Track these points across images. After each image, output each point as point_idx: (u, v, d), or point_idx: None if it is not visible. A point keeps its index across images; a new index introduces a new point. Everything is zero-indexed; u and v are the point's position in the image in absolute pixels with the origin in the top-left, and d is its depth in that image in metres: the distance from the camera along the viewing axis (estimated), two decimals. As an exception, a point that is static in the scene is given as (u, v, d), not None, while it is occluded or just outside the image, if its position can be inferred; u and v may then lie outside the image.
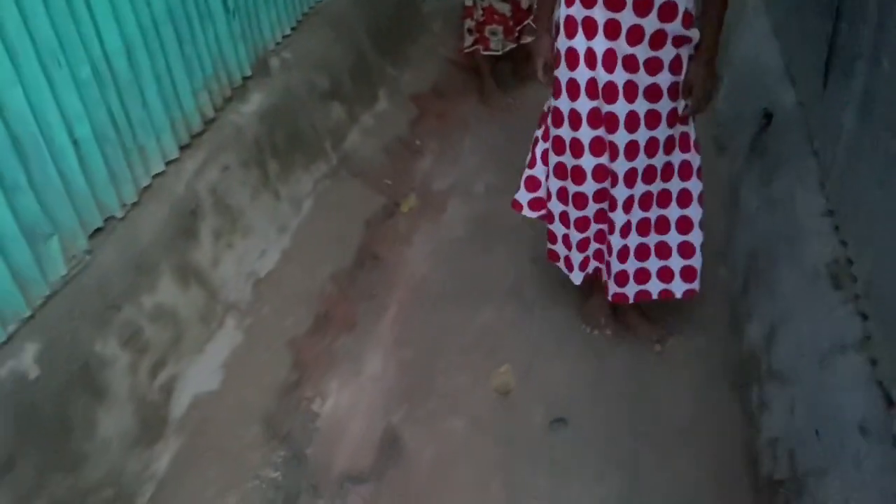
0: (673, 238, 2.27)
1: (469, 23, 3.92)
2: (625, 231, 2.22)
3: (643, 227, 2.25)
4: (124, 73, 2.18)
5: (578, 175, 2.19)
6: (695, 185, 2.23)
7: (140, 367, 2.09)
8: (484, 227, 3.11)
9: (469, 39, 3.96)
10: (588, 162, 2.16)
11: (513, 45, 3.92)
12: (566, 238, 2.35)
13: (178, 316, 2.27)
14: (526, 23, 3.88)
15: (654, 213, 2.25)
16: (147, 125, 2.30)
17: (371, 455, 2.19)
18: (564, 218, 2.31)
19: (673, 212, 2.25)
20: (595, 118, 2.11)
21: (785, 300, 2.06)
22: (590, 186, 2.19)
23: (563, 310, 2.62)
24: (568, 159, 2.20)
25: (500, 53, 3.93)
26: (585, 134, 2.13)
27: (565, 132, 2.17)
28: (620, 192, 2.15)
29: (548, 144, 2.29)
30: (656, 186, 2.20)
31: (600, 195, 2.21)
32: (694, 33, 2.01)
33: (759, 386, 2.02)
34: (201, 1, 2.58)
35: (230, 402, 2.25)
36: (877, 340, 1.66)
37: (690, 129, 2.17)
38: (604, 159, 2.14)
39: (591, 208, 2.24)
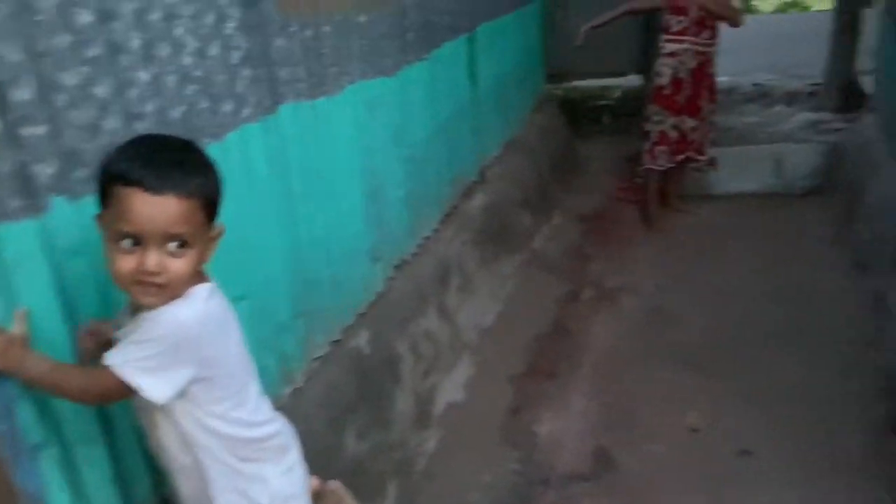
0: None
1: (647, 144, 4.66)
2: None
3: None
4: (421, 158, 3.00)
5: None
6: None
7: (417, 369, 2.73)
8: (656, 314, 3.70)
9: (645, 157, 4.68)
10: None
11: (671, 165, 4.63)
12: None
13: (438, 340, 2.93)
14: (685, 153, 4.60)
15: None
16: (427, 199, 3.08)
17: (587, 464, 2.70)
18: None
19: None
20: None
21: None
22: None
23: (733, 374, 3.13)
24: None
25: (663, 168, 4.64)
26: None
27: None
28: None
29: None
30: None
31: None
32: None
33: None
34: (456, 126, 3.44)
35: (474, 413, 2.85)
36: None
37: None
38: None
39: None
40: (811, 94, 6.13)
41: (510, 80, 4.44)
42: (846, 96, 5.72)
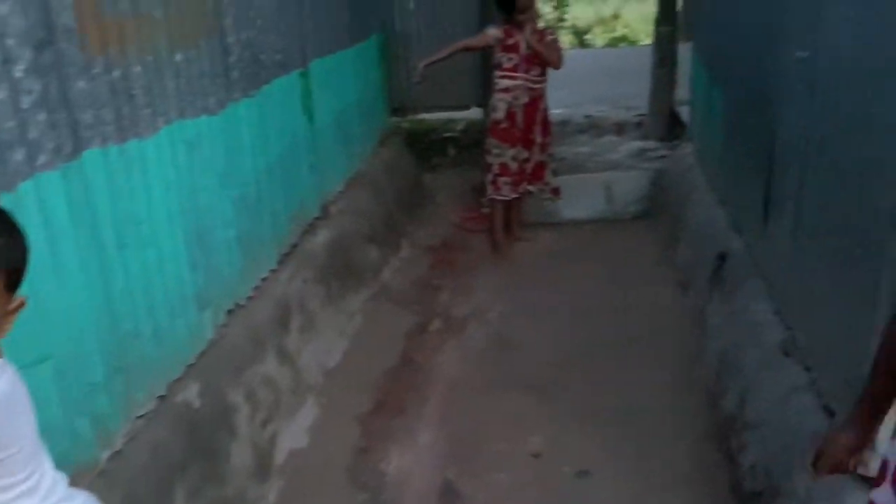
0: None
1: (489, 176, 4.76)
2: None
3: None
4: (253, 197, 2.92)
5: None
6: None
7: (255, 419, 2.63)
8: (501, 341, 3.78)
9: (489, 188, 4.78)
10: None
11: (515, 196, 4.78)
12: None
13: (278, 386, 2.84)
14: (525, 184, 4.79)
15: None
16: (263, 239, 3.00)
17: (434, 499, 2.69)
18: None
19: None
20: None
21: (752, 372, 2.75)
22: None
23: (573, 396, 3.24)
24: None
25: (507, 198, 4.77)
26: None
27: None
28: None
29: None
30: None
31: None
32: None
33: (737, 435, 2.65)
34: (293, 163, 3.38)
35: (319, 457, 2.77)
36: (819, 381, 2.35)
37: None
38: None
39: None
40: (638, 124, 6.55)
41: (351, 115, 4.43)
42: (669, 125, 6.17)
